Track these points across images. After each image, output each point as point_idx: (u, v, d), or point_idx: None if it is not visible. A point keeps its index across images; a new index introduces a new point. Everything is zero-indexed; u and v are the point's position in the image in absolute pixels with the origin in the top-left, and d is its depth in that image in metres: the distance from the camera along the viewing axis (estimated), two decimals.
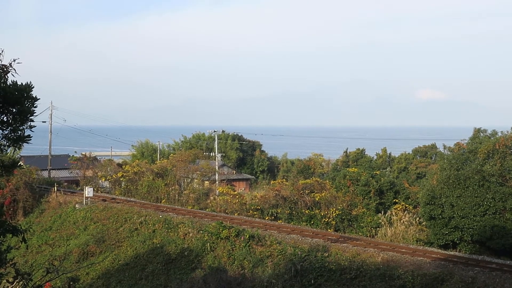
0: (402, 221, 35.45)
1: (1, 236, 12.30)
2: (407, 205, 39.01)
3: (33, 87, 10.93)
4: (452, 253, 29.28)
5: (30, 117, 11.00)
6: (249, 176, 77.71)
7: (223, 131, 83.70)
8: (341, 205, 39.52)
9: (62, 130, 67.04)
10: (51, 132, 65.67)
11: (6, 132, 11.00)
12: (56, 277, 15.33)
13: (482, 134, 45.76)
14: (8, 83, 10.67)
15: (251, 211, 42.67)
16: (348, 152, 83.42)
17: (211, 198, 49.33)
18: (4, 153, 11.45)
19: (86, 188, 44.36)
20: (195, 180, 54.56)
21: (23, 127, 11.08)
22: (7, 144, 11.16)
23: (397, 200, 40.65)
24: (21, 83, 10.80)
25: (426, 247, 30.83)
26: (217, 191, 50.77)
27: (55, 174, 63.93)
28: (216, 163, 60.88)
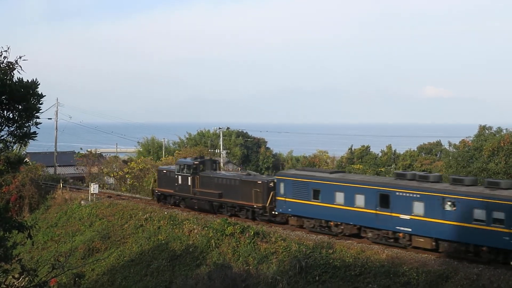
0: None
1: (7, 232, 12.38)
2: None
3: (39, 84, 10.92)
4: None
5: (36, 114, 11.02)
6: (254, 173, 77.67)
7: (227, 128, 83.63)
8: None
9: (67, 127, 67.16)
10: (56, 129, 65.78)
11: (12, 129, 11.03)
12: (62, 273, 15.43)
13: (487, 132, 45.47)
14: (14, 80, 10.68)
15: None
16: (353, 149, 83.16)
17: None
18: (10, 149, 11.48)
19: (92, 185, 44.52)
20: None
21: (29, 123, 11.10)
22: (13, 140, 11.20)
23: None
24: (27, 80, 10.79)
25: None
26: None
27: (61, 170, 63.94)
28: (221, 160, 60.93)
